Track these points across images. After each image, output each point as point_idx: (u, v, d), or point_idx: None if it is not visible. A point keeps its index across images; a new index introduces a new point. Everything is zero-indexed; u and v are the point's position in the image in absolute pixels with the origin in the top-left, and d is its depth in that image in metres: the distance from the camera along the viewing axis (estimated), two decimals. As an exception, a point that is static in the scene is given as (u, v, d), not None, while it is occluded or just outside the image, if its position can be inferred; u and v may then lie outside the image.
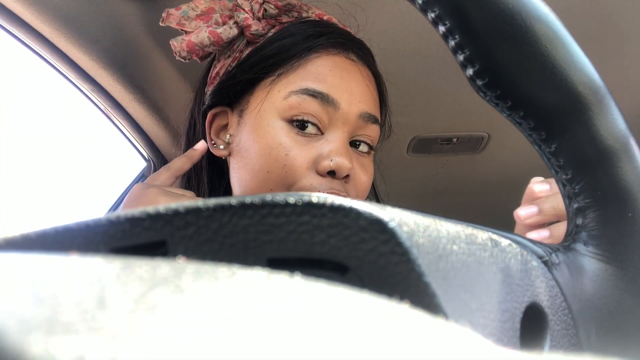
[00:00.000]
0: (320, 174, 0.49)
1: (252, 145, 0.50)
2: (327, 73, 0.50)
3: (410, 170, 1.25)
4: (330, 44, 0.52)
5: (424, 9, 0.20)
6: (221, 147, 0.55)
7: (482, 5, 0.19)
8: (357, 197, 0.52)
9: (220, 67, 0.55)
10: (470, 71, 0.20)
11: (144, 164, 1.03)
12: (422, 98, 0.98)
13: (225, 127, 0.56)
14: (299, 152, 0.48)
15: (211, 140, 0.55)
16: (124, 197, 0.99)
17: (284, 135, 0.49)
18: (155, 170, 1.01)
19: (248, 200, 0.13)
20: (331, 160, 0.48)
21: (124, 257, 0.12)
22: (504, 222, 1.69)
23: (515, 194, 1.56)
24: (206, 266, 0.12)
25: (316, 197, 0.13)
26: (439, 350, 0.09)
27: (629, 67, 0.90)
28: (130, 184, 1.02)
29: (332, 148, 0.49)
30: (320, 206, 0.13)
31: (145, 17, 0.75)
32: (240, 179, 0.52)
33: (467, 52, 0.20)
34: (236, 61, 0.54)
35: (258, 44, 0.53)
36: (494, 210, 1.47)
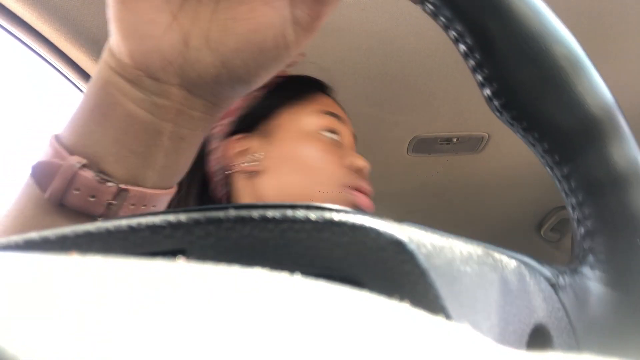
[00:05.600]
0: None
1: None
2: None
3: (410, 170, 1.25)
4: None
5: (446, 26, 0.20)
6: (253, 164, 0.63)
7: (505, 26, 0.19)
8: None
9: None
10: (488, 91, 0.20)
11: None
12: (422, 98, 0.98)
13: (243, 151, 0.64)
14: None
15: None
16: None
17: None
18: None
19: (270, 214, 0.13)
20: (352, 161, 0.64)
21: (124, 257, 0.12)
22: (504, 222, 1.69)
23: (515, 193, 1.57)
24: (206, 266, 0.12)
25: (337, 214, 0.13)
26: (439, 348, 0.09)
27: (628, 67, 0.91)
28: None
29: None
30: (341, 224, 0.13)
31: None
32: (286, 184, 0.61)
33: (487, 72, 0.20)
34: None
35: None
36: (494, 210, 1.47)
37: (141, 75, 0.27)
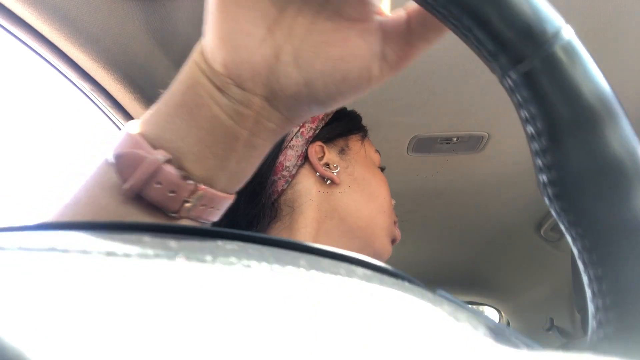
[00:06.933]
0: None
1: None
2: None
3: (410, 170, 1.25)
4: None
5: (520, 105, 0.20)
6: (335, 172, 0.66)
7: (579, 118, 0.19)
8: None
9: None
10: (544, 177, 0.20)
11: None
12: (422, 98, 0.98)
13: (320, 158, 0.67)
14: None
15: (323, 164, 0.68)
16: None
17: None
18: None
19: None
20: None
21: (123, 258, 0.12)
22: (504, 221, 1.69)
23: (515, 193, 1.56)
24: (206, 265, 0.12)
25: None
26: (441, 349, 0.09)
27: (628, 66, 0.91)
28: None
29: None
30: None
31: (145, 17, 0.75)
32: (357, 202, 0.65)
33: (549, 159, 0.20)
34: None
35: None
36: (494, 209, 1.47)
37: (230, 83, 0.28)
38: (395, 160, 1.18)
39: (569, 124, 0.19)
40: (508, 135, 1.09)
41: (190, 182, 0.28)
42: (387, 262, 0.70)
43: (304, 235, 0.60)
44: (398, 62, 0.28)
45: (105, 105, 0.85)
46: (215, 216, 0.32)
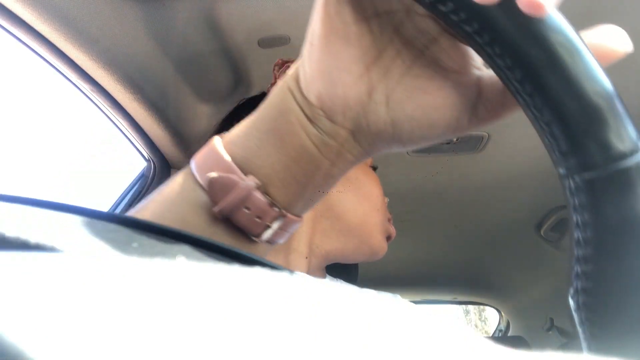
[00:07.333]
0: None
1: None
2: None
3: (410, 170, 1.25)
4: None
5: (574, 209, 0.20)
6: None
7: (632, 242, 0.19)
8: None
9: None
10: (579, 283, 0.20)
11: (144, 163, 1.03)
12: (422, 98, 0.98)
13: None
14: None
15: None
16: (125, 197, 0.99)
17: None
18: (155, 171, 1.01)
19: None
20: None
21: (121, 259, 0.12)
22: (504, 222, 1.68)
23: (515, 193, 1.56)
24: (206, 265, 0.12)
25: None
26: (442, 349, 0.09)
27: (628, 66, 0.91)
28: (131, 184, 1.02)
29: None
30: None
31: (145, 17, 0.75)
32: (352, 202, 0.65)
33: (589, 268, 0.20)
34: None
35: None
36: (493, 209, 1.47)
37: (321, 115, 0.28)
38: (395, 160, 1.18)
39: (620, 241, 0.19)
40: (508, 135, 1.09)
41: (276, 208, 0.29)
42: (386, 260, 0.69)
43: (300, 234, 0.60)
44: (488, 118, 0.28)
45: (105, 105, 0.85)
46: (285, 238, 0.32)
